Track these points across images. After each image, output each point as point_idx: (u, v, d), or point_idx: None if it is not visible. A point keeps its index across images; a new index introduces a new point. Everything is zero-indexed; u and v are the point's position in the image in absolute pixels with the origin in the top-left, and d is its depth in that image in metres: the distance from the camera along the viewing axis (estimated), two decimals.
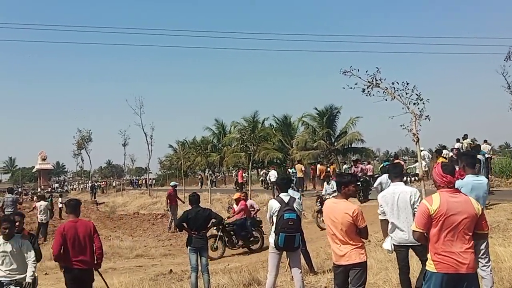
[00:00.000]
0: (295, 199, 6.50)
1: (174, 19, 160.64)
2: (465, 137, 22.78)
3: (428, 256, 3.93)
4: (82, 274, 6.15)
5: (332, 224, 4.95)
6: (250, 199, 16.03)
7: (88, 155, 51.42)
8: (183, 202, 20.15)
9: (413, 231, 3.99)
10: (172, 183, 21.79)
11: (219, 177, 49.03)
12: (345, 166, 26.27)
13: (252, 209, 14.44)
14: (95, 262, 6.37)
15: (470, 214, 3.86)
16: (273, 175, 24.61)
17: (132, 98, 50.61)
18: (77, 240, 6.08)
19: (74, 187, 75.68)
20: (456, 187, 5.41)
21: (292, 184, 14.61)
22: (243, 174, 31.61)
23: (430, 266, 3.87)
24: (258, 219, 14.53)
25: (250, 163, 26.55)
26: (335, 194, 8.72)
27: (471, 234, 3.90)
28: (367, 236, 5.13)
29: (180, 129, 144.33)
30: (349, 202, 5.02)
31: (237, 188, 30.17)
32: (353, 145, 38.86)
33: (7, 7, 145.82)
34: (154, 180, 57.07)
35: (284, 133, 43.32)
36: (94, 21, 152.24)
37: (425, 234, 3.92)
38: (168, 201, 19.92)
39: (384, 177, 11.69)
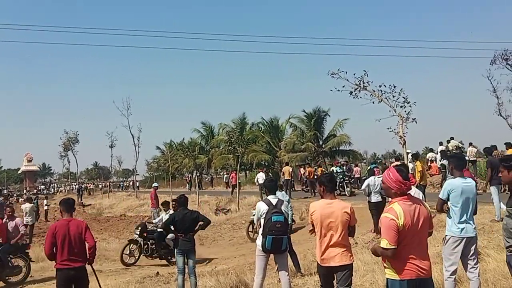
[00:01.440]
0: (282, 201, 6.49)
1: (162, 20, 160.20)
2: (449, 140, 23.01)
3: (386, 264, 3.78)
4: (75, 272, 6.01)
5: (329, 225, 4.84)
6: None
7: (75, 157, 51.30)
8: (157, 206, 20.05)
9: (386, 249, 3.64)
10: (154, 185, 21.92)
11: (207, 179, 48.96)
12: (332, 168, 26.43)
13: (15, 232, 11.19)
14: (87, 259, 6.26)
15: (426, 217, 3.78)
16: (261, 177, 24.63)
17: (119, 99, 50.53)
18: (67, 239, 5.97)
19: (61, 189, 75.00)
20: (447, 191, 5.45)
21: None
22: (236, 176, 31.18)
23: (392, 274, 3.72)
24: (24, 242, 11.86)
25: (238, 165, 26.54)
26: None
27: (426, 236, 3.84)
28: (354, 234, 5.18)
29: (167, 131, 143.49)
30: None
31: (232, 190, 29.44)
32: (341, 148, 39.04)
33: None
34: (138, 182, 56.67)
35: (272, 135, 43.33)
36: (81, 22, 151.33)
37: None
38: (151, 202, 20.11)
39: (372, 179, 11.79)
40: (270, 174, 26.05)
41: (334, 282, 4.97)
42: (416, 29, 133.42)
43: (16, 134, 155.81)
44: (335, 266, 4.86)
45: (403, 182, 3.73)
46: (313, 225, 5.04)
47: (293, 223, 8.68)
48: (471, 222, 5.43)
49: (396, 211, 3.65)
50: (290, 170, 24.18)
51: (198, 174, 41.26)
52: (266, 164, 40.87)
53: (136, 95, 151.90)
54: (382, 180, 4.01)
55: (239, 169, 27.05)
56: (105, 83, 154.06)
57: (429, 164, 22.90)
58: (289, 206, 8.38)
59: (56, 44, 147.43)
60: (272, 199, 6.38)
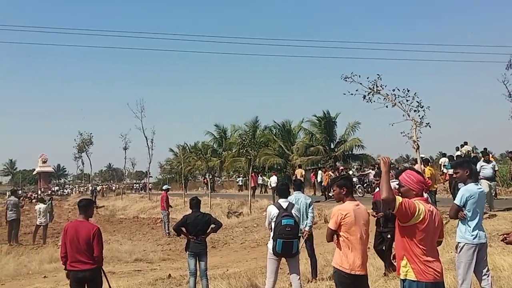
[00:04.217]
0: (293, 205, 6.51)
1: (175, 23, 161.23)
2: (463, 144, 22.77)
3: (403, 263, 3.70)
4: (83, 274, 5.97)
5: (363, 227, 4.64)
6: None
7: (89, 158, 51.42)
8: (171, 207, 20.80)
9: (391, 200, 3.52)
10: (165, 187, 21.94)
11: (219, 182, 49.05)
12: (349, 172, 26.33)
13: None
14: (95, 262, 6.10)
15: (440, 221, 3.80)
16: (273, 180, 24.63)
17: (133, 101, 50.92)
18: (75, 241, 5.95)
19: (75, 190, 75.58)
20: (465, 197, 5.35)
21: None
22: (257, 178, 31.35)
23: (410, 275, 3.66)
24: None
25: (251, 168, 26.52)
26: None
27: (437, 240, 3.83)
28: None
29: (181, 133, 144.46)
30: None
31: (253, 191, 28.08)
32: (353, 152, 38.80)
33: (8, 8, 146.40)
34: (151, 185, 56.84)
35: (284, 138, 43.29)
36: (96, 24, 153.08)
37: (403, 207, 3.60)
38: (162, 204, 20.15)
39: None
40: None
41: None
42: (429, 33, 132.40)
43: (31, 136, 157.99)
44: (363, 275, 4.63)
45: (424, 182, 3.84)
46: (335, 230, 4.64)
47: (312, 225, 8.53)
48: (482, 228, 5.39)
49: (420, 206, 3.65)
50: (303, 172, 24.15)
51: (210, 177, 41.21)
52: (279, 167, 40.79)
53: (150, 97, 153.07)
54: (399, 184, 3.94)
55: (250, 172, 27.04)
56: (119, 85, 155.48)
57: (442, 169, 22.64)
58: (311, 208, 8.30)
59: (70, 46, 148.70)
60: (283, 203, 6.39)
